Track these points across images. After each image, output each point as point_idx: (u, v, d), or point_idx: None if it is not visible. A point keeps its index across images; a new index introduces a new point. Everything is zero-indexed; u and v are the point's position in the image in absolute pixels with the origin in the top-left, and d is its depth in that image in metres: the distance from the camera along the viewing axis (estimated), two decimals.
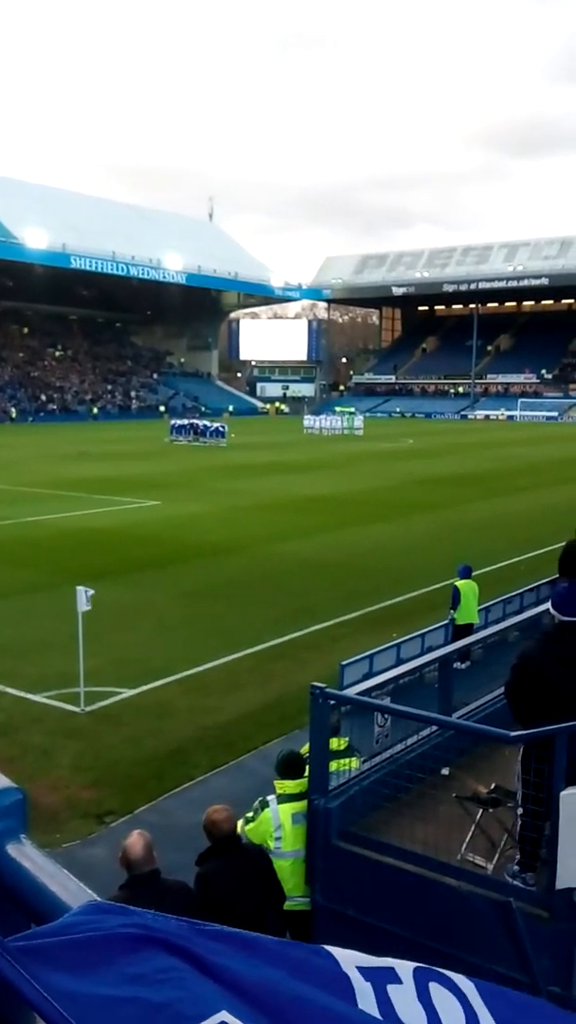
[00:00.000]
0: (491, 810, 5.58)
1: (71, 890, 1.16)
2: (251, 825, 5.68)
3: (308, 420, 72.70)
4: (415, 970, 1.14)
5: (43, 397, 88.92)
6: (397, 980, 1.12)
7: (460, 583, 12.15)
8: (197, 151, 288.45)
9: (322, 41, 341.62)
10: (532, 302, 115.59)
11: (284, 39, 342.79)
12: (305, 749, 5.82)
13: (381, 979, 1.10)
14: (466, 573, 12.39)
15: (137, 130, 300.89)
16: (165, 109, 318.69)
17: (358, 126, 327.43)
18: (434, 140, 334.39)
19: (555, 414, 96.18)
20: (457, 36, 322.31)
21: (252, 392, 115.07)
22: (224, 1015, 0.92)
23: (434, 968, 1.17)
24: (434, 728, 6.18)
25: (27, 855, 1.24)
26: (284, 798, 5.67)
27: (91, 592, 10.51)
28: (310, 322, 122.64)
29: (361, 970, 1.10)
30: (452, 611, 11.93)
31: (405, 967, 1.15)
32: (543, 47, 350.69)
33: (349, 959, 1.11)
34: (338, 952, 1.12)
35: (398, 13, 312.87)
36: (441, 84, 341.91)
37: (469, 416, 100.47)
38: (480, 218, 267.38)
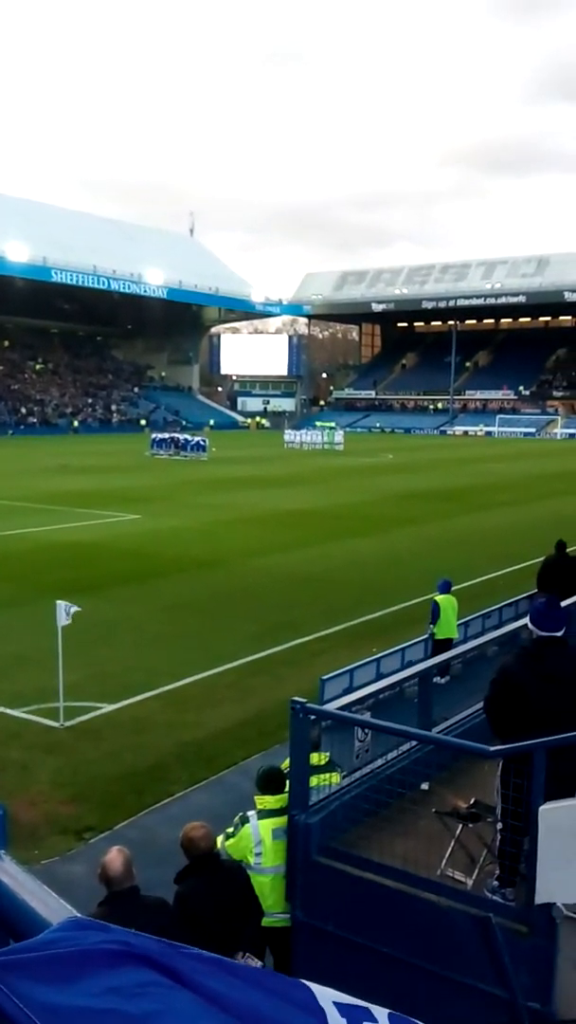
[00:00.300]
0: (471, 825, 5.58)
1: (51, 906, 1.16)
2: (231, 841, 5.65)
3: (289, 435, 72.93)
4: (390, 1015, 1.15)
5: (23, 410, 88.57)
6: (372, 1019, 1.13)
7: (440, 597, 12.18)
8: (178, 167, 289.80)
9: (301, 59, 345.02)
10: (510, 319, 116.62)
11: (263, 57, 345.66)
12: (285, 764, 5.81)
13: (356, 1017, 1.11)
14: (446, 588, 12.42)
15: (119, 146, 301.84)
16: (146, 125, 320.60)
17: (337, 144, 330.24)
18: (412, 159, 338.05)
19: (532, 430, 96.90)
20: (434, 56, 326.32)
21: (233, 406, 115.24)
22: None
23: (409, 1018, 1.17)
24: (414, 743, 6.18)
25: (7, 871, 1.24)
26: (264, 813, 5.65)
27: (75, 608, 10.48)
28: (290, 337, 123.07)
29: (337, 1006, 1.10)
30: (431, 626, 11.95)
31: (380, 1011, 1.15)
32: (519, 67, 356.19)
33: (326, 995, 1.12)
34: (316, 988, 1.13)
35: (376, 32, 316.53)
36: (418, 103, 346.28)
37: (448, 432, 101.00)
38: (458, 236, 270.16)
